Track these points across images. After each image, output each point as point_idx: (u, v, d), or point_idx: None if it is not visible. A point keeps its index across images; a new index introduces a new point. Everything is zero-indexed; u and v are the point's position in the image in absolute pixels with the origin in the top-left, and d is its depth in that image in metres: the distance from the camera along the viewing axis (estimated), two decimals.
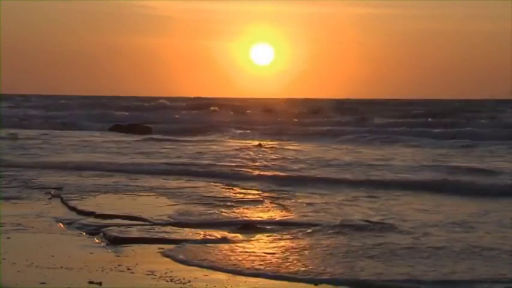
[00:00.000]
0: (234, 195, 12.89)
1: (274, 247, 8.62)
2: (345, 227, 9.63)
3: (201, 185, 14.08)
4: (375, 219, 10.44)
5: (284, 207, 11.51)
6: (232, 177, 15.31)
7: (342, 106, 60.04)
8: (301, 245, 8.66)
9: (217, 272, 7.47)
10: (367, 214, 10.98)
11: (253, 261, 7.90)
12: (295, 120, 43.08)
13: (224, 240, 8.98)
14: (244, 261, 7.88)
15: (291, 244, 8.76)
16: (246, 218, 10.48)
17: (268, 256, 8.13)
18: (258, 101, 68.80)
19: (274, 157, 19.98)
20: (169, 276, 7.23)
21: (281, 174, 15.87)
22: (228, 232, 9.45)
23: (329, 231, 9.41)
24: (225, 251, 8.36)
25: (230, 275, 7.38)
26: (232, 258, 8.04)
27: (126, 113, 48.77)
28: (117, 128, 36.61)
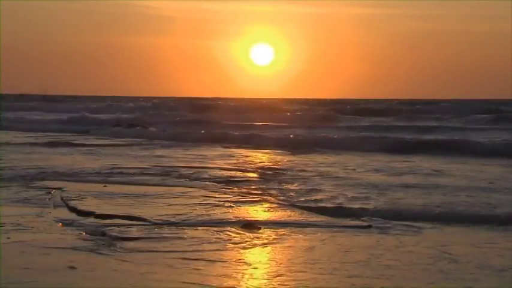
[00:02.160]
0: (233, 196, 12.88)
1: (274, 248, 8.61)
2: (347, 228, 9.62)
3: (201, 187, 14.07)
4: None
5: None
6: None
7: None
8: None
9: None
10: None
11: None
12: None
13: (225, 240, 8.98)
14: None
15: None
16: (247, 218, 10.47)
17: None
18: (257, 101, 68.65)
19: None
20: (170, 279, 7.23)
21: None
22: (229, 232, 9.44)
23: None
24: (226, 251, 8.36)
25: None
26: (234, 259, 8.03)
27: (128, 114, 48.84)
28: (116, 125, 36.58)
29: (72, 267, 7.48)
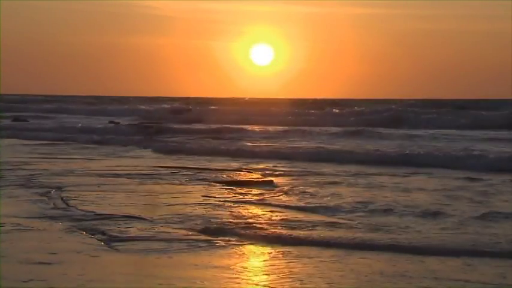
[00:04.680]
0: (234, 195, 12.88)
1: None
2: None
3: (202, 187, 14.09)
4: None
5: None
6: None
7: None
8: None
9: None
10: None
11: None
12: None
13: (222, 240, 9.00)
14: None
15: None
16: (246, 218, 10.47)
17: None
18: (258, 101, 68.59)
19: None
20: (169, 277, 7.23)
21: None
22: (228, 232, 9.44)
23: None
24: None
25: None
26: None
27: (130, 115, 48.91)
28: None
29: (72, 267, 7.50)
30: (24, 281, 6.92)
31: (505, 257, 8.21)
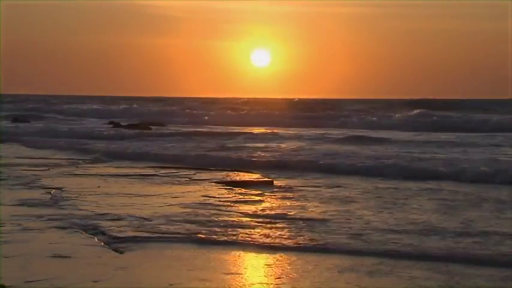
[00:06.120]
0: (234, 195, 12.90)
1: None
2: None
3: (202, 187, 14.10)
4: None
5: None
6: None
7: None
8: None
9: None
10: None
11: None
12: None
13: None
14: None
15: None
16: (246, 219, 10.50)
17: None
18: (254, 101, 68.59)
19: None
20: (168, 276, 7.27)
21: None
22: (228, 233, 9.47)
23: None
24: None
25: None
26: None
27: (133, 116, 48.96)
28: (114, 126, 35.81)
29: (73, 267, 7.53)
30: (27, 281, 6.96)
31: None
